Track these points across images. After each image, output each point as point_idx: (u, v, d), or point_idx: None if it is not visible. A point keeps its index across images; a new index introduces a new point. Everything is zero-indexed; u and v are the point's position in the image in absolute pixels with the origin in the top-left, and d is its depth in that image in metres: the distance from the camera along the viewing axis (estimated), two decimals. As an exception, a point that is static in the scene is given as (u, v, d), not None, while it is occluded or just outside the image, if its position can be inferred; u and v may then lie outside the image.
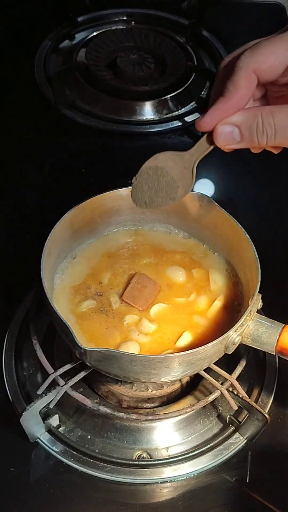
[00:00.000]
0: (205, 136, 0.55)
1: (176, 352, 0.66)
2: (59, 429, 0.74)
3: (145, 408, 0.76)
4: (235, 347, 0.65)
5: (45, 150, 1.14)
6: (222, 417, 0.77)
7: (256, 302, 0.66)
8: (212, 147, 0.56)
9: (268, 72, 0.51)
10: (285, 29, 0.52)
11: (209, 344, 0.61)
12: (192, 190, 0.61)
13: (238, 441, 0.75)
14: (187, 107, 1.22)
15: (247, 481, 0.72)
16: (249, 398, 0.71)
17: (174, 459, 0.73)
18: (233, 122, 0.52)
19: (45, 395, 0.68)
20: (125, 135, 1.16)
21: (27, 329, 0.77)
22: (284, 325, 0.66)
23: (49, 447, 0.73)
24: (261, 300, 0.67)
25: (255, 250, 0.69)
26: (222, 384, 0.72)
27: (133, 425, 0.73)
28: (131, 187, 0.62)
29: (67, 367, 0.70)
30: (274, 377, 0.81)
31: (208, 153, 0.57)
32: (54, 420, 0.73)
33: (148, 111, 1.19)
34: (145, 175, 0.60)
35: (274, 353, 0.66)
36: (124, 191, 0.76)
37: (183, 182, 0.59)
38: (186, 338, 0.70)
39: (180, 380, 0.76)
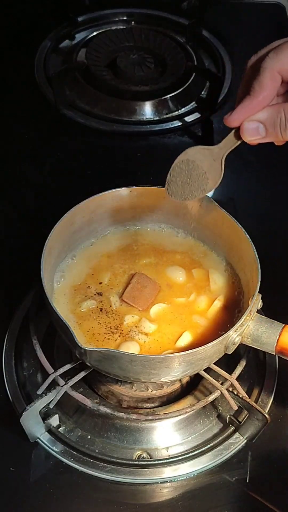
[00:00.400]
0: (233, 131, 0.59)
1: (176, 352, 0.66)
2: (59, 429, 0.74)
3: (145, 408, 0.76)
4: (235, 347, 0.65)
5: (45, 150, 1.14)
6: (222, 417, 0.77)
7: (256, 302, 0.66)
8: (239, 141, 0.60)
9: None
10: None
11: (209, 344, 0.61)
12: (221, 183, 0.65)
13: (238, 441, 0.75)
14: (187, 107, 1.22)
15: (247, 481, 0.72)
16: (249, 398, 0.71)
17: (174, 459, 0.73)
18: (258, 119, 0.56)
19: (45, 395, 0.68)
20: (125, 135, 1.16)
21: (27, 329, 0.77)
22: (284, 325, 0.66)
23: (49, 447, 0.73)
24: (261, 300, 0.67)
25: (255, 250, 0.69)
26: (222, 384, 0.72)
27: (133, 425, 0.73)
28: (164, 185, 0.66)
29: (67, 367, 0.71)
30: (274, 377, 0.81)
31: (235, 147, 0.61)
32: (54, 420, 0.73)
33: (148, 111, 1.19)
34: (178, 170, 0.64)
35: (274, 353, 0.66)
36: (124, 191, 0.76)
37: (212, 174, 0.63)
38: (186, 338, 0.70)
39: (180, 380, 0.76)
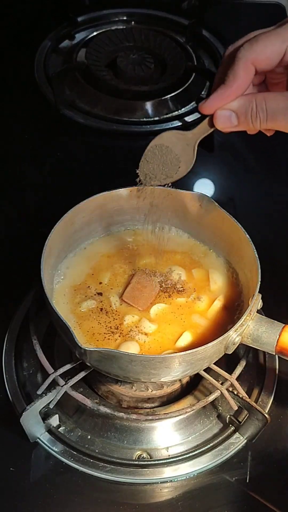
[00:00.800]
0: (207, 119, 0.61)
1: (176, 352, 0.66)
2: (59, 429, 0.74)
3: (145, 408, 0.76)
4: (235, 347, 0.65)
5: (45, 150, 1.15)
6: (222, 417, 0.77)
7: (256, 302, 0.66)
8: (212, 129, 0.61)
9: (264, 62, 0.56)
10: (283, 22, 0.56)
11: (209, 344, 0.61)
12: (192, 169, 0.66)
13: (238, 441, 0.75)
14: (187, 107, 1.22)
15: (247, 481, 0.72)
16: (249, 398, 0.71)
17: (174, 459, 0.73)
18: (231, 108, 0.58)
19: (45, 395, 0.68)
20: (125, 135, 1.16)
21: (27, 329, 0.77)
22: (284, 325, 0.66)
23: (49, 447, 0.73)
24: (261, 300, 0.67)
25: (255, 250, 0.69)
26: (222, 384, 0.72)
27: (133, 425, 0.73)
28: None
29: (67, 367, 0.71)
30: (274, 377, 0.81)
31: (208, 134, 0.62)
32: (54, 420, 0.73)
33: (148, 111, 1.19)
34: (151, 154, 0.66)
35: (274, 353, 0.66)
36: (124, 191, 0.76)
37: (185, 158, 0.64)
38: (186, 338, 0.70)
39: (180, 380, 0.76)
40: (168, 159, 0.65)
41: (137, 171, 0.67)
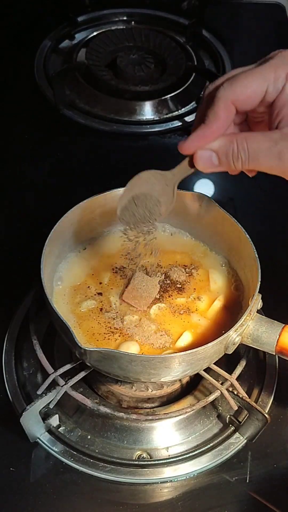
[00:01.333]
0: (187, 159, 0.59)
1: (176, 352, 0.66)
2: (59, 429, 0.74)
3: (145, 408, 0.76)
4: (235, 347, 0.65)
5: (45, 150, 1.15)
6: (222, 417, 0.77)
7: (256, 302, 0.66)
8: (193, 169, 0.59)
9: (245, 102, 0.55)
10: (263, 61, 0.55)
11: (209, 344, 0.61)
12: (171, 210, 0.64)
13: (238, 441, 0.75)
14: (187, 107, 1.22)
15: (247, 481, 0.72)
16: (249, 398, 0.71)
17: (174, 459, 0.73)
18: (212, 148, 0.56)
19: (45, 395, 0.68)
20: (125, 135, 1.17)
21: (27, 329, 0.77)
22: (284, 325, 0.66)
23: (49, 447, 0.73)
24: (261, 300, 0.67)
25: (255, 250, 0.69)
26: (222, 384, 0.72)
27: (133, 425, 0.73)
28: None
29: (67, 367, 0.71)
30: (274, 377, 0.81)
31: (189, 175, 0.60)
32: (54, 420, 0.73)
33: (148, 111, 1.19)
34: (130, 204, 0.64)
35: (274, 353, 0.66)
36: (124, 191, 0.76)
37: (164, 198, 0.63)
38: (186, 338, 0.70)
39: (180, 380, 0.76)
40: (149, 206, 0.63)
41: (118, 217, 0.65)
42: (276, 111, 0.54)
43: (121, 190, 0.76)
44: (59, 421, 0.74)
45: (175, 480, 0.72)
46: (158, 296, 0.74)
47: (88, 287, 0.75)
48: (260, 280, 0.66)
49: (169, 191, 0.62)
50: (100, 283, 0.75)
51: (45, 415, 0.71)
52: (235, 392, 0.71)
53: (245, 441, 0.75)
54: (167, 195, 0.62)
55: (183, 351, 0.60)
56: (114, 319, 0.71)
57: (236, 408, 0.72)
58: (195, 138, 0.56)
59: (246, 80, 0.54)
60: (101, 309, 0.72)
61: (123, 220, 0.66)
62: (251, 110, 0.57)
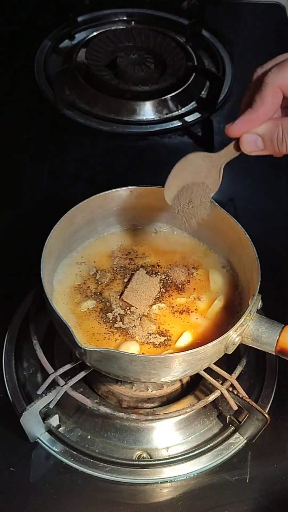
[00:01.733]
0: (233, 142, 0.60)
1: (176, 352, 0.66)
2: (59, 429, 0.74)
3: (145, 408, 0.76)
4: (235, 347, 0.65)
5: (45, 150, 1.14)
6: (222, 417, 0.77)
7: (256, 302, 0.66)
8: (239, 152, 0.61)
9: None
10: None
11: (209, 344, 0.61)
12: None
13: (238, 441, 0.75)
14: (187, 107, 1.22)
15: (247, 481, 0.72)
16: (249, 398, 0.71)
17: (174, 459, 0.73)
18: (257, 132, 0.58)
19: (45, 395, 0.68)
20: (125, 135, 1.16)
21: (27, 329, 0.77)
22: (284, 325, 0.66)
23: (49, 447, 0.73)
24: (261, 300, 0.67)
25: (255, 250, 0.69)
26: (222, 384, 0.72)
27: (133, 425, 0.73)
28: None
29: (67, 367, 0.70)
30: (274, 377, 0.81)
31: (235, 157, 0.62)
32: (54, 420, 0.73)
33: (148, 111, 1.19)
34: (178, 199, 0.67)
35: (274, 353, 0.66)
36: (124, 191, 0.76)
37: (211, 180, 0.65)
38: (186, 338, 0.70)
39: (180, 380, 0.76)
40: (200, 194, 0.66)
41: (171, 206, 0.68)
42: None
43: (121, 190, 0.76)
44: (59, 421, 0.74)
45: (175, 480, 0.72)
46: (158, 296, 0.74)
47: (88, 287, 0.75)
48: (260, 280, 0.66)
49: (215, 173, 0.64)
50: (100, 283, 0.75)
51: (45, 415, 0.71)
52: (235, 392, 0.71)
53: (245, 441, 0.75)
54: (213, 176, 0.64)
55: (183, 351, 0.60)
56: (114, 319, 0.71)
57: (236, 408, 0.72)
58: (242, 122, 0.58)
59: None
60: (101, 309, 0.72)
61: (175, 208, 0.68)
62: None
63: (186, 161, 0.64)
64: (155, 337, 0.69)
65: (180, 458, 0.73)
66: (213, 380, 0.71)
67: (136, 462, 0.72)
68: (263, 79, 0.56)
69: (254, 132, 0.58)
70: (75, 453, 0.72)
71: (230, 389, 0.71)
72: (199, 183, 0.65)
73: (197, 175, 0.65)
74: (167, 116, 1.20)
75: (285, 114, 0.61)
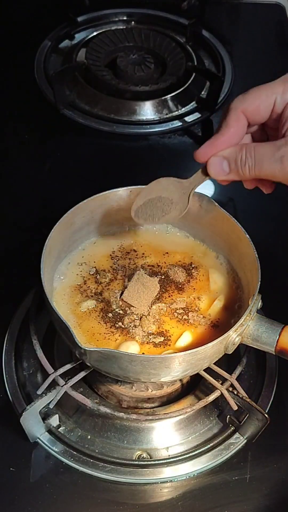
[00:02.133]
0: (201, 167, 0.62)
1: (176, 352, 0.66)
2: (59, 429, 0.74)
3: (145, 408, 0.76)
4: (235, 347, 0.65)
5: (45, 150, 1.15)
6: (222, 417, 0.77)
7: (256, 302, 0.66)
8: (207, 178, 0.63)
9: (255, 113, 0.59)
10: (283, 77, 0.59)
11: (209, 344, 0.61)
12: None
13: (238, 441, 0.75)
14: (187, 107, 1.22)
15: (247, 481, 0.72)
16: (249, 398, 0.71)
17: (174, 459, 0.73)
18: (223, 155, 0.60)
19: (45, 395, 0.68)
20: (125, 135, 1.16)
21: (27, 329, 0.77)
22: (284, 325, 0.66)
23: (49, 447, 0.73)
24: (261, 300, 0.67)
25: (255, 250, 0.69)
26: (222, 384, 0.72)
27: (133, 425, 0.74)
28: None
29: (67, 367, 0.71)
30: (274, 377, 0.81)
31: (203, 182, 0.64)
32: (54, 420, 0.73)
33: (148, 111, 1.19)
34: (148, 203, 0.68)
35: (274, 353, 0.66)
36: (124, 191, 0.76)
37: (180, 205, 0.67)
38: (186, 338, 0.69)
39: (180, 380, 0.76)
40: (162, 207, 0.67)
41: (133, 216, 0.69)
42: (283, 121, 0.57)
43: (121, 190, 0.76)
44: (59, 421, 0.74)
45: (175, 480, 0.72)
46: (158, 296, 0.74)
47: (88, 287, 0.75)
48: (260, 280, 0.66)
49: (184, 199, 0.66)
50: (100, 283, 0.75)
51: (45, 415, 0.71)
52: (235, 392, 0.71)
53: (245, 441, 0.75)
54: (183, 202, 0.66)
55: (183, 351, 0.60)
56: (114, 319, 0.71)
57: (236, 408, 0.72)
58: (208, 146, 0.60)
59: (256, 93, 0.58)
60: (101, 309, 0.72)
61: (137, 218, 0.69)
62: (267, 123, 0.60)
63: (158, 183, 0.66)
64: (155, 337, 0.69)
65: (180, 458, 0.73)
66: (213, 380, 0.71)
67: (136, 462, 0.72)
68: (228, 105, 0.59)
69: (220, 155, 0.60)
70: (75, 453, 0.72)
71: (230, 389, 0.71)
72: (165, 198, 0.67)
73: (168, 200, 0.67)
74: (167, 116, 1.20)
75: (257, 141, 0.63)
